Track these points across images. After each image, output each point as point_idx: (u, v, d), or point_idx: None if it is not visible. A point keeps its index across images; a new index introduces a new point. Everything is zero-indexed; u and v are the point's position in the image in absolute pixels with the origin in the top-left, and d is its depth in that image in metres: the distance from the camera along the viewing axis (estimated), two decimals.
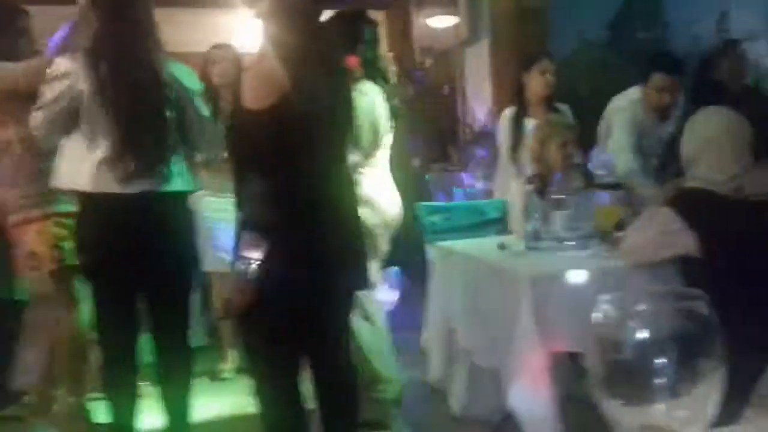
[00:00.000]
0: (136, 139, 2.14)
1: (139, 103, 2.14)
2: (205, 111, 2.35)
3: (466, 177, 4.47)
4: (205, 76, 3.10)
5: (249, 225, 1.81)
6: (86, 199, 2.20)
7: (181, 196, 2.27)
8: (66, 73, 2.14)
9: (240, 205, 1.88)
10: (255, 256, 1.76)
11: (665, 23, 4.40)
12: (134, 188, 2.14)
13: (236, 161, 1.92)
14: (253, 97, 1.82)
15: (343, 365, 1.99)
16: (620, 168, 3.23)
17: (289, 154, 1.86)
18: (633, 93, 3.51)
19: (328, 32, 2.18)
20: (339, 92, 2.02)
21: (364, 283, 2.03)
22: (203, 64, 3.21)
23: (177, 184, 2.22)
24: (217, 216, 3.05)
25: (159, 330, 2.31)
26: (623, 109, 3.48)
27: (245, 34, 2.71)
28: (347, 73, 2.17)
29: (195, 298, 2.83)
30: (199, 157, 2.43)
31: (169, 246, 2.18)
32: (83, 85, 2.13)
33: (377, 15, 6.02)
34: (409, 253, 3.24)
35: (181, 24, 2.30)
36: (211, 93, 3.01)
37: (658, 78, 3.35)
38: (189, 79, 2.29)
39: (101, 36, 2.15)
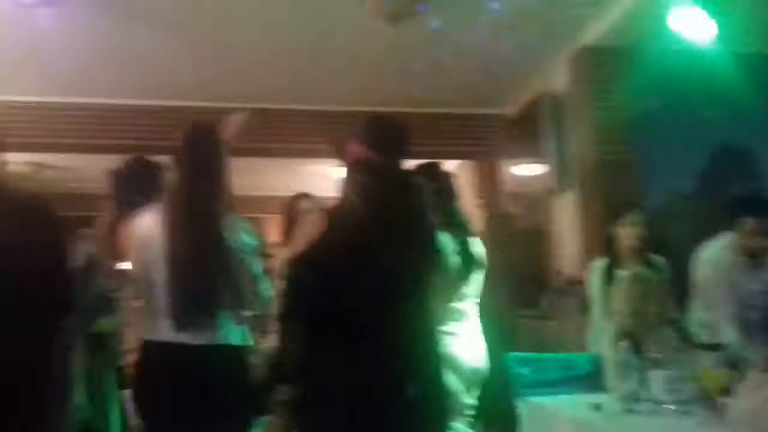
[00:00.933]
0: (192, 290, 2.20)
1: (200, 255, 2.22)
2: (258, 268, 2.36)
3: None
4: (290, 224, 3.08)
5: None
6: (142, 346, 2.26)
7: (235, 350, 2.26)
8: (136, 227, 2.30)
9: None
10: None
11: (759, 174, 4.34)
12: (188, 338, 2.19)
13: (295, 314, 1.90)
14: (334, 248, 1.85)
15: None
16: (724, 339, 3.10)
17: (371, 311, 1.84)
18: (721, 240, 3.42)
19: (412, 185, 2.19)
20: (424, 245, 2.02)
21: None
22: (288, 210, 3.21)
23: (230, 338, 2.25)
24: None
25: None
26: (711, 262, 3.37)
27: (324, 182, 2.80)
28: (432, 226, 2.16)
29: None
30: (248, 313, 2.39)
31: (219, 400, 2.13)
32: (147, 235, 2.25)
33: (467, 163, 6.25)
34: (500, 406, 3.15)
35: (259, 170, 2.44)
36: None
37: (750, 221, 3.27)
38: (247, 234, 2.35)
39: (179, 191, 2.29)
